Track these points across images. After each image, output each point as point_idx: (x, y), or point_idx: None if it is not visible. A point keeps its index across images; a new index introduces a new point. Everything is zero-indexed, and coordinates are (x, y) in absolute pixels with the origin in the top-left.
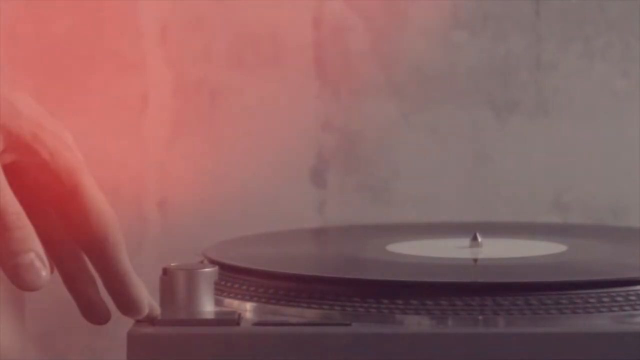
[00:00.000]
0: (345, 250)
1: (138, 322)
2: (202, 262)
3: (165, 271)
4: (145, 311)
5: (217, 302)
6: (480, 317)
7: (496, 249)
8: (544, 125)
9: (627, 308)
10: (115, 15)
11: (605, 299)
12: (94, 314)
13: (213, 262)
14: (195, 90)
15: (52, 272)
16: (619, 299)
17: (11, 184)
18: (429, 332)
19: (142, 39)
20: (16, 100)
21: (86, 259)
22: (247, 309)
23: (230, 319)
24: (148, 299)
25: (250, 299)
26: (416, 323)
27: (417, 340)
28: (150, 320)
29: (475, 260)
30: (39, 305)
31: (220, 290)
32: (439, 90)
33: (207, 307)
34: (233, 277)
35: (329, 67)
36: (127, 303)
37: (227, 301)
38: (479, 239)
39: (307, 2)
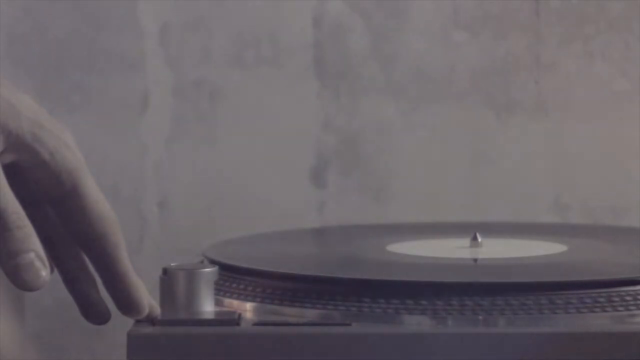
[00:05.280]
0: (345, 250)
1: (138, 322)
2: (202, 262)
3: (165, 271)
4: (145, 311)
5: (217, 302)
6: (480, 317)
7: (496, 249)
8: (544, 125)
9: (624, 308)
10: (115, 15)
11: (604, 299)
12: (94, 314)
13: (213, 262)
14: (195, 90)
15: (52, 272)
16: (619, 298)
17: (11, 184)
18: (429, 332)
19: (142, 39)
20: (16, 100)
21: (86, 259)
22: (247, 309)
23: (230, 319)
24: (148, 299)
25: (250, 299)
26: (416, 323)
27: (417, 340)
28: (150, 320)
29: (475, 260)
30: (39, 305)
31: (220, 290)
32: (439, 90)
33: (207, 307)
34: (233, 277)
35: (329, 67)
36: (127, 303)
37: (227, 301)
38: (479, 239)
39: (307, 2)
